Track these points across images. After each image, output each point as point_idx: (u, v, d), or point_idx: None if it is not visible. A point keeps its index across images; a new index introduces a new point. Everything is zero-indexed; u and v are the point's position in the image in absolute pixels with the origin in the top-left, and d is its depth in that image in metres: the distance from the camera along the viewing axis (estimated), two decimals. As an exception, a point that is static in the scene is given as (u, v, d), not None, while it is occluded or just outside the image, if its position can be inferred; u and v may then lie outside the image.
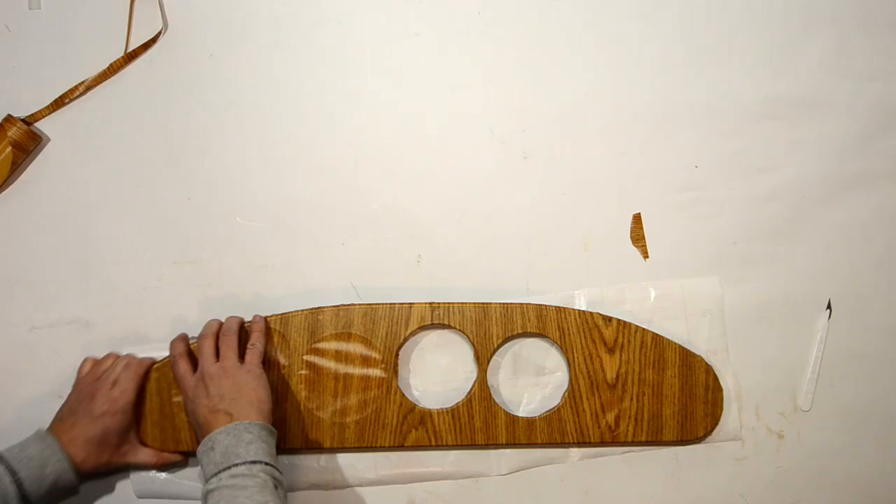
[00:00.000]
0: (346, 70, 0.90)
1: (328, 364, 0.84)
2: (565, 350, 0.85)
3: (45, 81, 0.87)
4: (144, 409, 0.82)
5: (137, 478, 0.85)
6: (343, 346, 0.84)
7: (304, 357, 0.83)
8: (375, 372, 0.84)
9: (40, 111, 0.87)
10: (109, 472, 0.84)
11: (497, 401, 0.85)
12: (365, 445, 0.83)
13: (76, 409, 0.78)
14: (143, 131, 0.88)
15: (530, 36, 0.91)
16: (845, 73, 0.93)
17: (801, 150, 0.92)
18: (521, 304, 0.85)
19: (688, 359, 0.86)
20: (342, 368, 0.84)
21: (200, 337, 0.80)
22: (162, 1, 0.89)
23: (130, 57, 0.88)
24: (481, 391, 0.84)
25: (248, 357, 0.79)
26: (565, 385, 0.86)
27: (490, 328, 0.85)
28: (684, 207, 0.91)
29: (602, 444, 0.86)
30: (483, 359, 0.85)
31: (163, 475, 0.85)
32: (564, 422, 0.85)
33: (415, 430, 0.84)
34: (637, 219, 0.91)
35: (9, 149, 0.84)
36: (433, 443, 0.84)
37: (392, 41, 0.90)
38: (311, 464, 0.86)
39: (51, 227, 0.87)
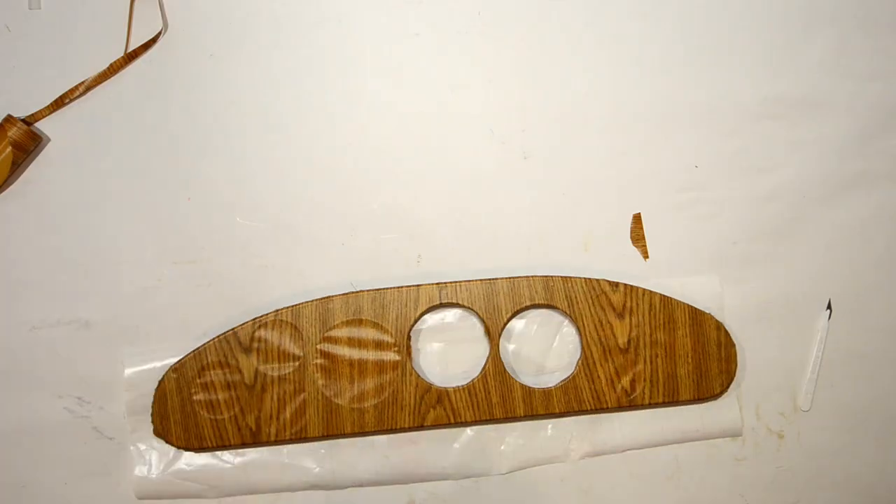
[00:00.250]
0: (346, 70, 0.90)
1: (342, 351, 0.84)
2: (575, 319, 0.86)
3: (45, 81, 0.87)
4: (167, 409, 0.83)
5: (137, 478, 0.85)
6: (355, 332, 0.84)
7: (318, 346, 0.84)
8: (389, 355, 0.84)
9: (40, 111, 0.87)
10: (110, 472, 0.85)
11: (511, 374, 0.85)
12: (385, 428, 0.84)
13: None
14: (143, 131, 0.88)
15: (530, 36, 0.91)
16: (845, 73, 0.93)
17: (801, 150, 0.92)
18: (528, 276, 0.86)
19: (698, 317, 0.86)
20: (356, 354, 0.84)
21: None
22: (162, 1, 0.89)
23: (130, 57, 0.88)
24: (495, 366, 0.85)
25: None
26: (578, 353, 0.86)
27: (498, 303, 0.85)
28: (684, 207, 0.91)
29: (619, 408, 0.86)
30: (494, 333, 0.85)
31: (163, 476, 0.85)
32: (580, 389, 0.85)
33: (433, 409, 0.84)
34: (637, 219, 0.91)
35: (9, 149, 0.84)
36: (452, 420, 0.84)
37: (392, 41, 0.90)
38: (311, 464, 0.86)
39: (51, 227, 0.87)
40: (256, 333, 0.84)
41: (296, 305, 0.84)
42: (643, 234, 0.91)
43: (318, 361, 0.84)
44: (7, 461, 0.86)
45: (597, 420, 0.88)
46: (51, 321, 0.87)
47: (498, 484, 0.87)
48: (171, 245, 0.88)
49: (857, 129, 0.93)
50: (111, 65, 0.88)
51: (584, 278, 0.86)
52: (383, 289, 0.85)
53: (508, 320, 0.86)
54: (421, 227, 0.89)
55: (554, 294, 0.86)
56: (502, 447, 0.87)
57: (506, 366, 0.86)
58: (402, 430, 0.85)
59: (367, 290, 0.85)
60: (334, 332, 0.84)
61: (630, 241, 0.91)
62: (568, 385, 0.85)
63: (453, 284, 0.86)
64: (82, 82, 0.87)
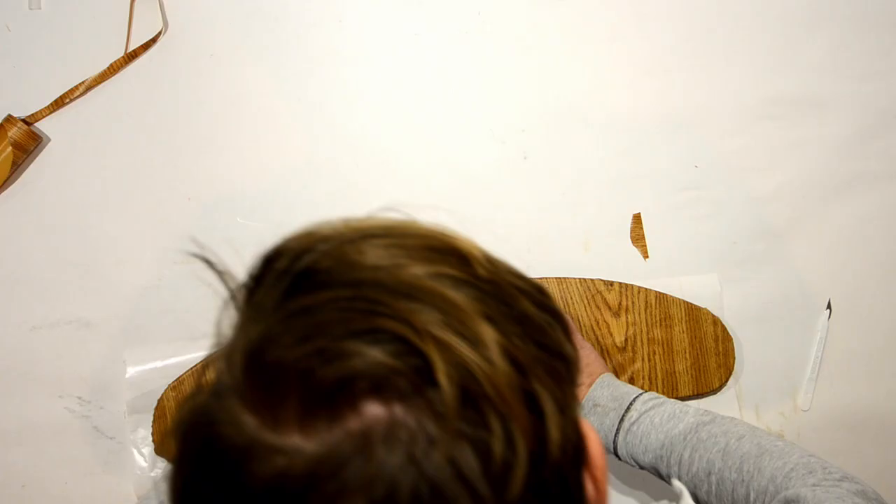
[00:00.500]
0: (345, 70, 0.90)
1: None
2: (571, 319, 0.86)
3: (45, 81, 0.87)
4: (165, 429, 0.83)
5: (138, 479, 0.85)
6: None
7: None
8: None
9: (40, 111, 0.87)
10: (110, 472, 0.85)
11: None
12: None
13: None
14: (143, 131, 0.88)
15: (530, 36, 0.91)
16: (845, 73, 0.93)
17: (801, 150, 0.92)
18: None
19: (694, 313, 0.86)
20: None
21: None
22: (162, 1, 0.89)
23: (130, 57, 0.88)
24: None
25: None
26: None
27: None
28: (684, 207, 0.91)
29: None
30: None
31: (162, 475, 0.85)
32: None
33: None
34: (637, 219, 0.91)
35: (9, 149, 0.84)
36: None
37: (392, 41, 0.90)
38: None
39: (51, 227, 0.87)
40: None
41: None
42: (643, 234, 0.91)
43: None
44: (7, 461, 0.85)
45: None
46: (51, 321, 0.86)
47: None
48: (171, 245, 0.88)
49: (857, 129, 0.93)
50: (111, 65, 0.88)
51: (579, 278, 0.86)
52: None
53: None
54: (421, 227, 0.89)
55: None
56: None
57: None
58: None
59: None
60: None
61: (630, 241, 0.91)
62: None
63: None
64: (82, 82, 0.87)
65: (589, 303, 0.86)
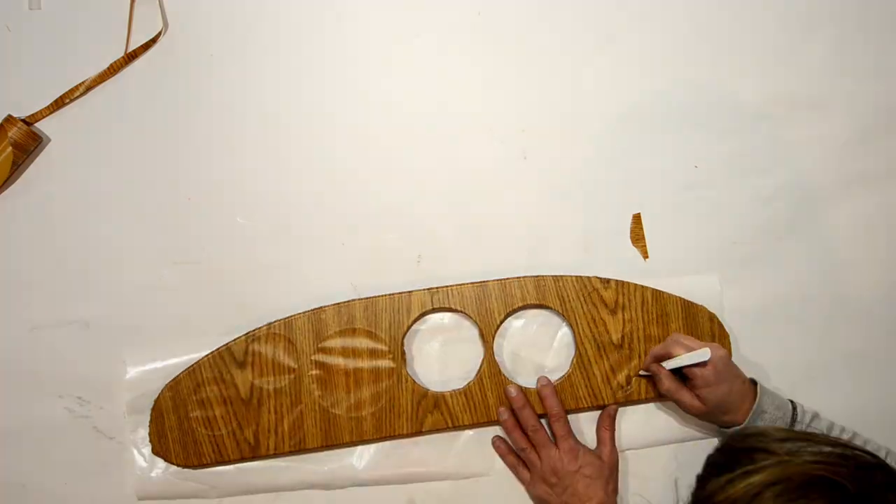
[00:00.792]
0: (346, 70, 0.90)
1: (337, 361, 0.84)
2: (568, 317, 0.86)
3: (45, 81, 0.87)
4: (164, 428, 0.83)
5: (138, 479, 0.85)
6: (349, 341, 0.84)
7: (313, 357, 0.84)
8: (384, 363, 0.84)
9: (40, 111, 0.87)
10: (110, 472, 0.85)
11: (507, 376, 0.85)
12: (384, 436, 0.84)
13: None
14: (143, 131, 0.88)
15: (530, 36, 0.91)
16: (845, 73, 0.93)
17: (801, 150, 0.92)
18: (519, 277, 0.86)
19: (690, 310, 0.86)
20: (351, 364, 0.84)
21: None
22: (162, 1, 0.89)
23: (130, 57, 0.88)
24: (490, 368, 0.85)
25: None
26: (572, 352, 0.86)
27: (490, 305, 0.86)
28: (684, 207, 0.91)
29: (616, 404, 0.86)
30: (488, 336, 0.86)
31: (163, 476, 0.85)
32: (576, 387, 0.85)
33: (430, 414, 0.84)
34: (637, 219, 0.91)
35: (9, 149, 0.84)
36: (450, 424, 0.85)
37: (392, 41, 0.90)
38: (310, 464, 0.86)
39: (51, 227, 0.87)
40: (250, 347, 0.84)
41: (288, 318, 0.84)
42: (643, 234, 0.91)
43: (314, 373, 0.84)
44: (7, 461, 0.85)
45: (595, 419, 0.87)
46: (51, 321, 0.86)
47: (498, 484, 0.87)
48: (171, 245, 0.88)
49: (857, 129, 0.93)
50: (111, 65, 0.88)
51: (575, 276, 0.86)
52: (375, 296, 0.85)
53: (501, 322, 0.86)
54: (421, 227, 0.89)
55: (546, 294, 0.86)
56: (502, 447, 0.88)
57: (502, 367, 0.86)
58: (401, 436, 0.85)
59: (360, 299, 0.85)
60: (328, 343, 0.84)
61: (630, 241, 0.91)
62: (564, 384, 0.85)
63: (445, 289, 0.85)
64: (82, 82, 0.87)
65: (585, 300, 0.86)
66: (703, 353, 0.78)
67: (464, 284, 0.86)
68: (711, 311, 0.87)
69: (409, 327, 0.85)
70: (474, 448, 0.87)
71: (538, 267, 0.89)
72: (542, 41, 0.91)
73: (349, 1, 0.90)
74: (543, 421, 0.85)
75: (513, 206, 0.90)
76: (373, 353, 0.84)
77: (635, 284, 0.86)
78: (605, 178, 0.91)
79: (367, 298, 0.85)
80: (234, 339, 0.84)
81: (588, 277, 0.86)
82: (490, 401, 0.85)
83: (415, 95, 0.90)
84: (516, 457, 0.85)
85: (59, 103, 0.87)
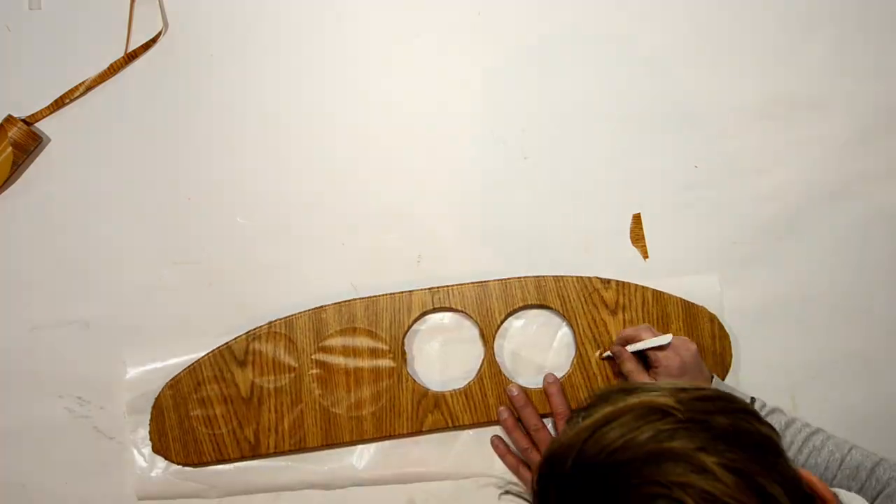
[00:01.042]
0: (346, 70, 0.90)
1: (337, 360, 0.84)
2: (568, 317, 0.86)
3: (45, 81, 0.87)
4: (165, 426, 0.83)
5: (138, 478, 0.85)
6: (349, 340, 0.84)
7: (313, 357, 0.84)
8: (384, 362, 0.84)
9: (40, 111, 0.87)
10: (110, 472, 0.85)
11: (507, 376, 0.85)
12: (384, 435, 0.84)
13: None
14: (143, 131, 0.88)
15: (530, 36, 0.91)
16: (845, 73, 0.93)
17: (801, 150, 0.92)
18: (520, 277, 0.86)
19: (691, 311, 0.86)
20: (352, 363, 0.84)
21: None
22: (162, 1, 0.89)
23: (130, 57, 0.88)
24: (491, 368, 0.85)
25: None
26: (573, 352, 0.86)
27: (491, 305, 0.86)
28: (684, 207, 0.91)
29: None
30: (488, 336, 0.86)
31: (163, 476, 0.85)
32: (577, 388, 0.85)
33: (430, 414, 0.84)
34: (637, 219, 0.91)
35: (9, 149, 0.84)
36: (450, 424, 0.85)
37: (392, 42, 0.90)
38: (310, 464, 0.86)
39: (51, 227, 0.87)
40: (251, 346, 0.84)
41: (289, 316, 0.84)
42: (643, 234, 0.91)
43: (314, 372, 0.84)
44: (7, 461, 0.86)
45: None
46: (51, 321, 0.86)
47: (497, 484, 0.87)
48: (171, 245, 0.88)
49: (857, 129, 0.93)
50: (111, 65, 0.88)
51: (576, 277, 0.86)
52: (376, 296, 0.85)
53: (502, 322, 0.86)
54: (421, 227, 0.89)
55: (546, 294, 0.86)
56: (502, 447, 0.88)
57: (502, 367, 0.86)
58: (401, 436, 0.85)
59: (360, 299, 0.85)
60: (329, 342, 0.84)
61: (630, 241, 0.91)
62: (564, 384, 0.85)
63: (445, 289, 0.85)
64: (82, 82, 0.87)
65: (586, 301, 0.86)
66: (664, 338, 0.78)
67: (464, 284, 0.86)
68: (711, 311, 0.88)
69: (409, 327, 0.85)
70: (474, 448, 0.87)
71: (538, 267, 0.89)
72: (542, 41, 0.91)
73: (349, 1, 0.90)
74: (545, 420, 0.85)
75: (513, 206, 0.90)
76: (373, 353, 0.84)
77: (636, 285, 0.86)
78: (605, 178, 0.91)
79: (367, 298, 0.85)
80: (235, 338, 0.84)
81: (589, 278, 0.86)
82: (490, 401, 0.85)
83: (415, 95, 0.90)
84: (516, 457, 0.85)
85: (59, 103, 0.87)
